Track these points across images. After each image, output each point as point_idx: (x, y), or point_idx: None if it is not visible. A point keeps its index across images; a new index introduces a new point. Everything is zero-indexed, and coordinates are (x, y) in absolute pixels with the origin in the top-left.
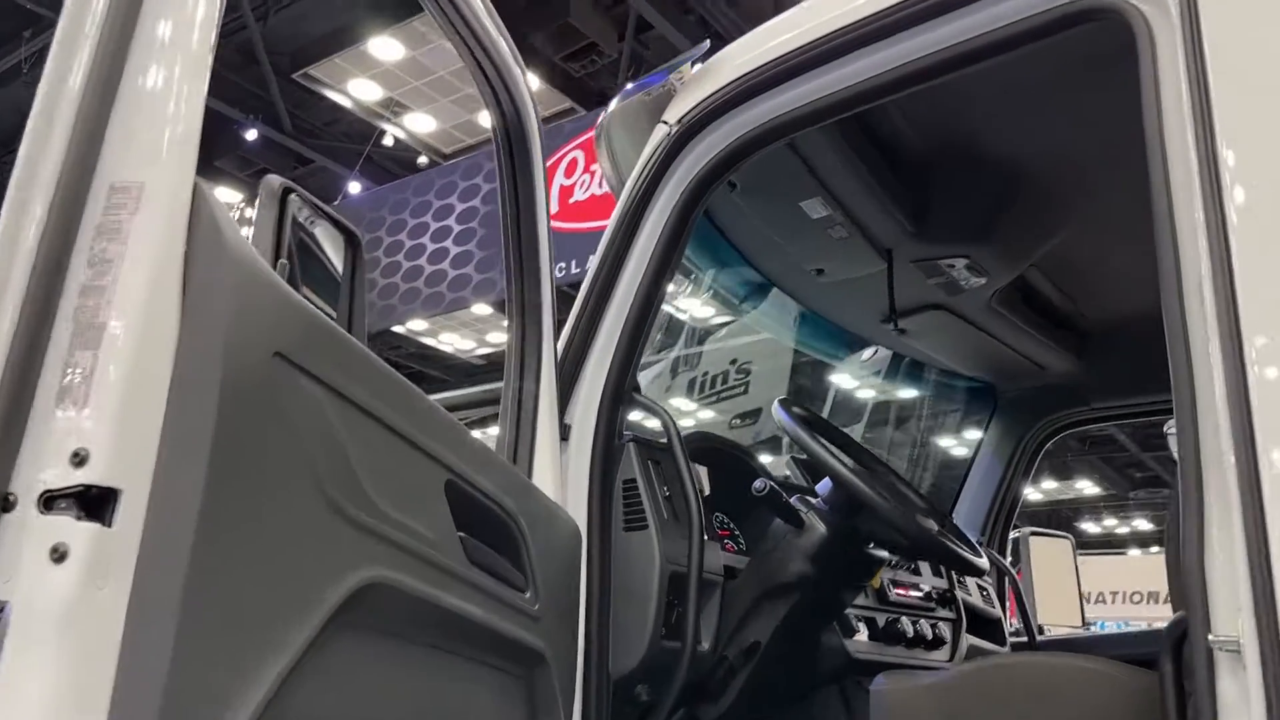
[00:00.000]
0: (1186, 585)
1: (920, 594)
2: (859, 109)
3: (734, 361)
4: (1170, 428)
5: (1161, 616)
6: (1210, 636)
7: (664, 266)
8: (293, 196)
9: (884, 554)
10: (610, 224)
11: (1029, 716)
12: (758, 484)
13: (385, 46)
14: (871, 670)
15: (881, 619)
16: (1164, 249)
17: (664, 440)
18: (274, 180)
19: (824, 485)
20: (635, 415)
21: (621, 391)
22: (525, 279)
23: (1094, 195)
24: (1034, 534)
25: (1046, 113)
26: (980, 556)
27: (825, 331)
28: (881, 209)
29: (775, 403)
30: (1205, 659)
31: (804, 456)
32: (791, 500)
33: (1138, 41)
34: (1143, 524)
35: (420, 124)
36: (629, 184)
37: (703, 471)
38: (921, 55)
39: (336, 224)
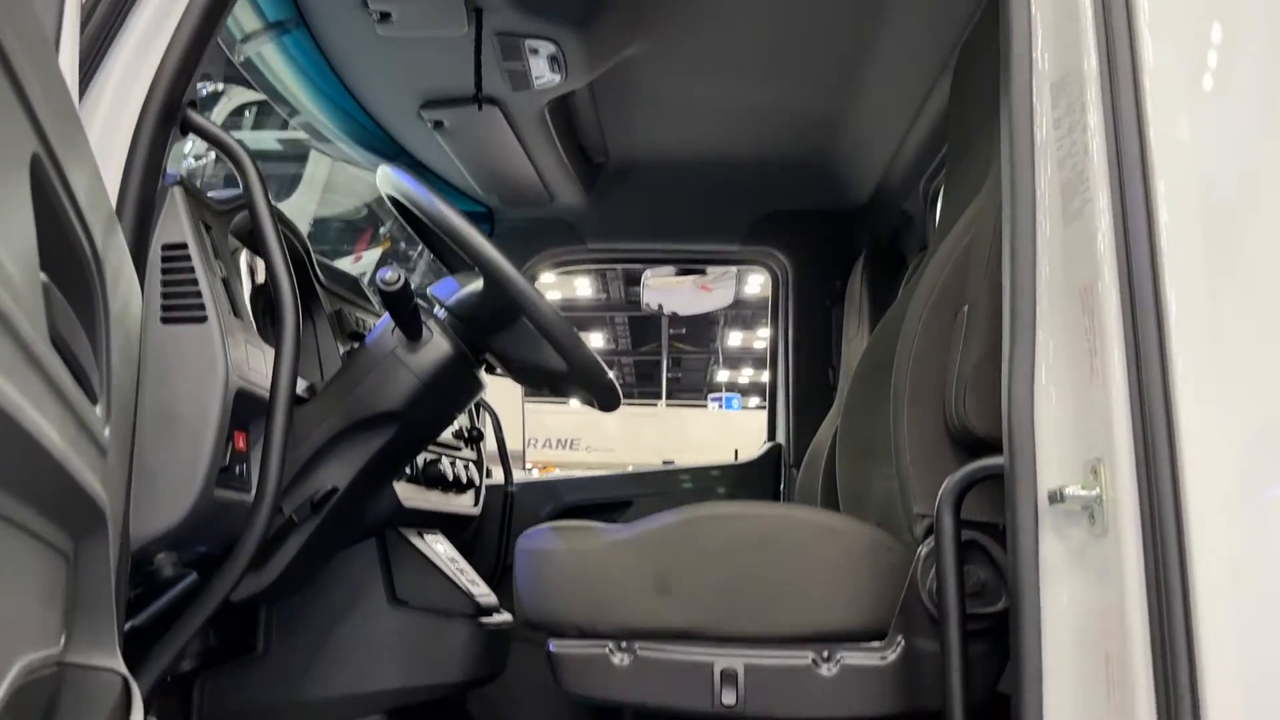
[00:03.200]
0: (1011, 432)
1: (452, 431)
2: None
3: None
4: (648, 277)
5: (571, 462)
6: (1059, 489)
7: None
8: None
9: (485, 379)
10: None
11: (746, 574)
12: (386, 274)
13: None
14: (415, 519)
15: (421, 459)
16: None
17: (225, 195)
18: None
19: (447, 287)
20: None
21: (177, 105)
22: None
23: (683, 11)
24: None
25: None
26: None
27: (336, 110)
28: None
29: (384, 167)
30: (1031, 514)
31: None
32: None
33: None
34: None
35: None
36: None
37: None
38: None
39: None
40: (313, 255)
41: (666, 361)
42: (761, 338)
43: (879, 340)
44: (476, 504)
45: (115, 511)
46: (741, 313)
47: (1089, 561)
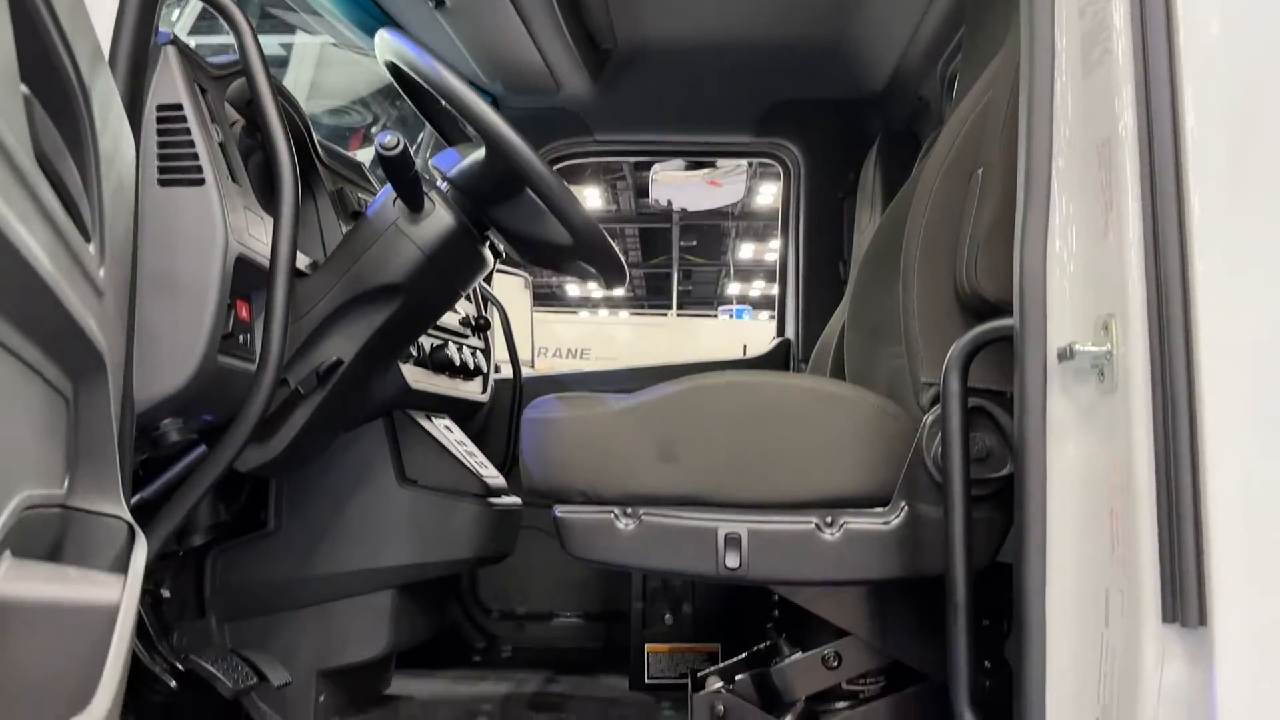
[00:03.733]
0: (1022, 290)
1: (459, 318)
2: None
3: None
4: (656, 171)
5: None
6: (1069, 346)
7: None
8: None
9: (489, 256)
10: None
11: (751, 441)
12: (385, 138)
13: None
14: (420, 402)
15: (428, 343)
16: None
17: (222, 60)
18: None
19: (448, 158)
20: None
21: None
22: None
23: None
24: (499, 271)
25: None
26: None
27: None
28: None
29: (383, 31)
30: (1039, 373)
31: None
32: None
33: None
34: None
35: None
36: None
37: None
38: None
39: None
40: (313, 131)
41: (677, 274)
42: (773, 249)
43: (891, 218)
44: (484, 391)
45: (115, 361)
46: (753, 225)
47: (1097, 419)
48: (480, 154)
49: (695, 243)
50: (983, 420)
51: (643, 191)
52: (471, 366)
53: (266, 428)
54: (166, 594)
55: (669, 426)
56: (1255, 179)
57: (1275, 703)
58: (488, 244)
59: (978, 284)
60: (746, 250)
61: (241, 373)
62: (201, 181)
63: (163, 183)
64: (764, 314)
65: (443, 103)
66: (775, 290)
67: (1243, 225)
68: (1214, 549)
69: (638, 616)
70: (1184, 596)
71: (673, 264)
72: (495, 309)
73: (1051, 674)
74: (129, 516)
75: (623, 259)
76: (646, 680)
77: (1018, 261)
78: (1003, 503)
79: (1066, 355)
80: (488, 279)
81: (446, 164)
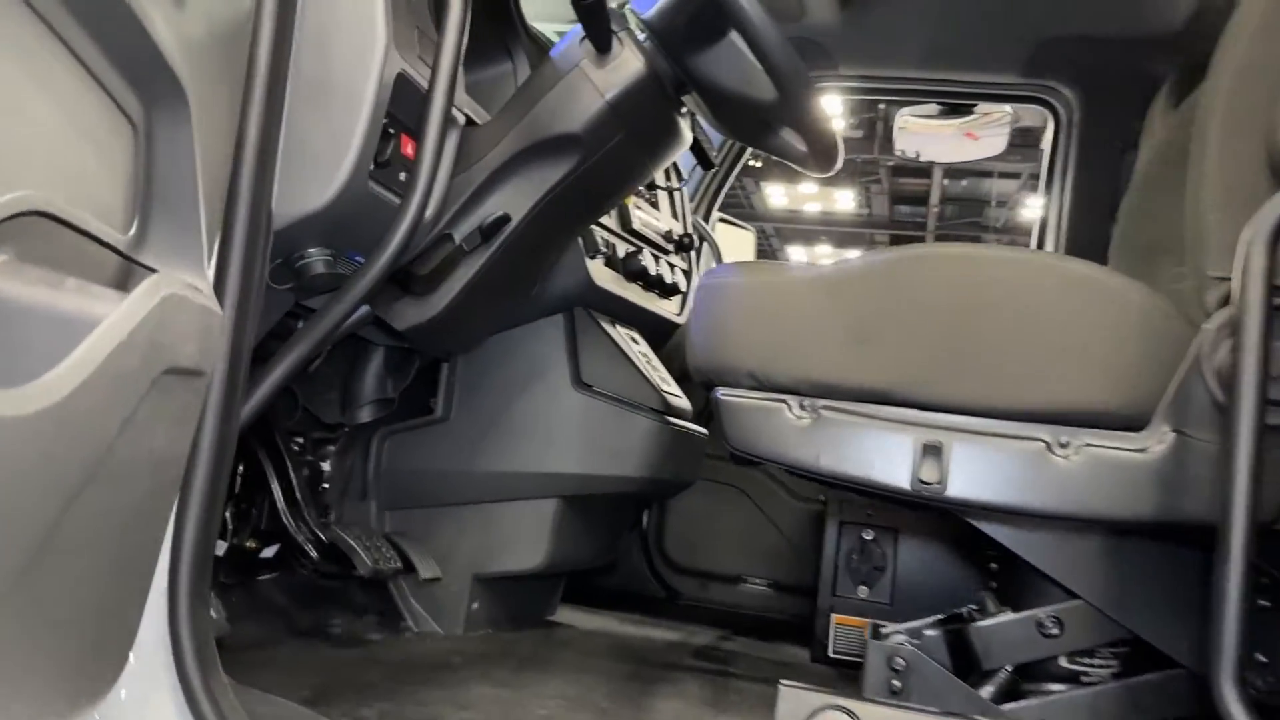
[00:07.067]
0: None
1: (661, 231)
2: None
3: None
4: (904, 116)
5: None
6: None
7: None
8: None
9: (686, 129)
10: None
11: (968, 328)
12: None
13: None
14: (605, 305)
15: (622, 248)
16: None
17: None
18: None
19: (647, 2)
20: None
21: None
22: None
23: None
24: (722, 220)
25: None
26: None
27: None
28: None
29: None
30: None
31: None
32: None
33: None
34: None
35: None
36: None
37: None
38: None
39: None
40: None
41: None
42: None
43: (1180, 124)
44: (681, 312)
45: (207, 104)
46: (1016, 239)
47: None
48: None
49: None
50: None
51: (898, 198)
52: (668, 281)
53: (427, 283)
54: (327, 468)
55: (865, 302)
56: None
57: None
58: (681, 108)
59: None
60: None
61: (394, 209)
62: None
63: None
64: None
65: None
66: None
67: None
68: None
69: (827, 584)
70: None
71: None
72: (710, 246)
73: None
74: (209, 289)
75: (838, 137)
76: (831, 653)
77: None
78: None
79: None
80: (706, 215)
81: (644, 6)
